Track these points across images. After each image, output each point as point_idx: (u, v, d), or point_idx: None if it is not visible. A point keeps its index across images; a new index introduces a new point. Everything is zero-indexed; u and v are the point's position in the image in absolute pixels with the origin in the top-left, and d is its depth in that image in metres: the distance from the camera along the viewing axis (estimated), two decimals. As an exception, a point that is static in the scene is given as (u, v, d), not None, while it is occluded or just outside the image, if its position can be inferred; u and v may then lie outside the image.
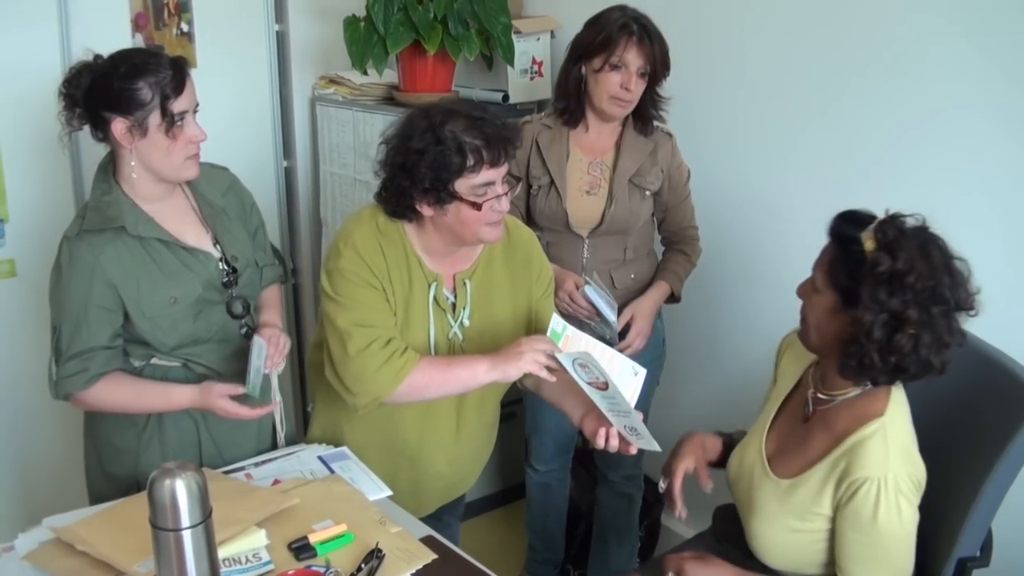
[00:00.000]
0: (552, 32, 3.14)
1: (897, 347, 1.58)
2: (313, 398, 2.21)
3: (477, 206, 1.85)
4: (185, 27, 2.96)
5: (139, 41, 2.89)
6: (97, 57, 1.90)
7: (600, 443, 1.89)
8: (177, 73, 1.87)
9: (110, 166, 1.94)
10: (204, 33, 2.99)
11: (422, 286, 1.97)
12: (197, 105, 1.93)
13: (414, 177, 1.84)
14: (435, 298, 1.97)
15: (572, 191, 2.44)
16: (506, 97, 3.06)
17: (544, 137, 2.46)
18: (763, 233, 2.69)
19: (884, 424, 1.64)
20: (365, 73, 2.88)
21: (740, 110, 2.69)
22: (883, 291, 1.56)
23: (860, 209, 1.69)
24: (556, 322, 1.92)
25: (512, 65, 2.98)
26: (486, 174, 1.85)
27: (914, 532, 1.64)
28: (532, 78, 3.12)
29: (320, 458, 2.03)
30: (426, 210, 1.89)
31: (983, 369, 1.90)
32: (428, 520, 1.97)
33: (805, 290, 1.74)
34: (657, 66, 2.35)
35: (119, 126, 1.85)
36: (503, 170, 1.89)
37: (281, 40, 3.18)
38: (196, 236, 2.00)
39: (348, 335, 1.88)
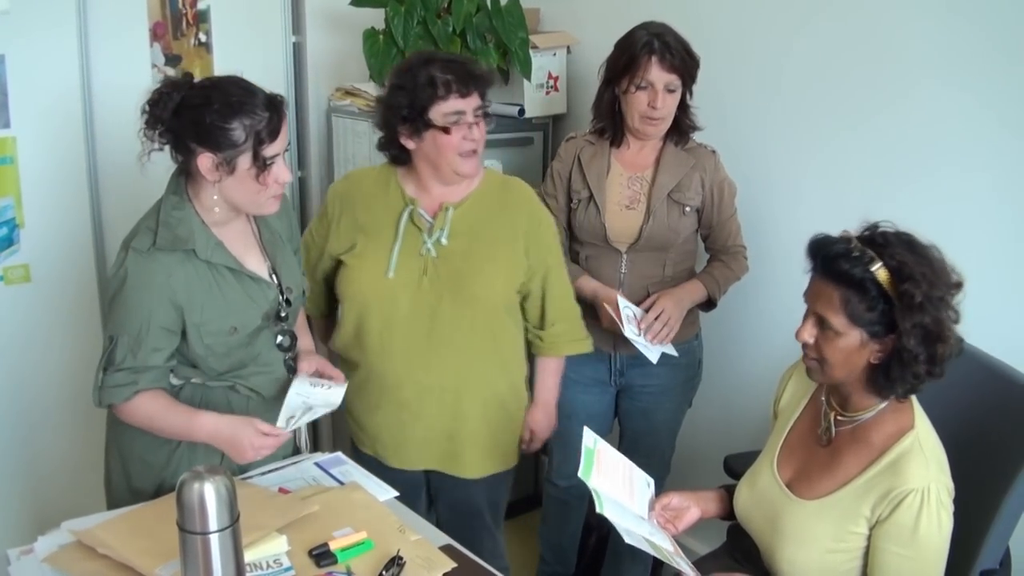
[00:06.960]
0: (568, 48, 3.17)
1: (941, 356, 1.61)
2: None
3: (447, 131, 2.03)
4: (203, 37, 2.97)
5: (157, 51, 2.90)
6: (186, 75, 1.81)
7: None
8: (274, 116, 1.76)
9: (182, 178, 1.85)
10: (222, 43, 3.00)
11: (396, 207, 2.15)
12: (288, 144, 1.86)
13: (394, 108, 2.07)
14: (411, 218, 2.13)
15: (611, 205, 2.44)
16: (522, 111, 3.08)
17: (586, 153, 2.48)
18: (778, 244, 2.67)
19: (917, 436, 1.66)
20: (383, 85, 2.89)
21: (766, 122, 2.69)
22: (921, 315, 1.58)
23: (823, 234, 1.68)
24: (588, 437, 1.83)
25: (529, 79, 3.00)
26: (455, 103, 2.03)
27: (948, 544, 1.64)
28: (548, 92, 3.14)
29: (318, 464, 2.04)
30: (408, 142, 2.09)
31: (997, 386, 1.92)
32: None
33: (814, 335, 1.69)
34: (685, 77, 2.33)
35: (206, 161, 1.75)
36: (473, 102, 2.06)
37: (298, 51, 3.20)
38: (256, 263, 1.95)
39: None
